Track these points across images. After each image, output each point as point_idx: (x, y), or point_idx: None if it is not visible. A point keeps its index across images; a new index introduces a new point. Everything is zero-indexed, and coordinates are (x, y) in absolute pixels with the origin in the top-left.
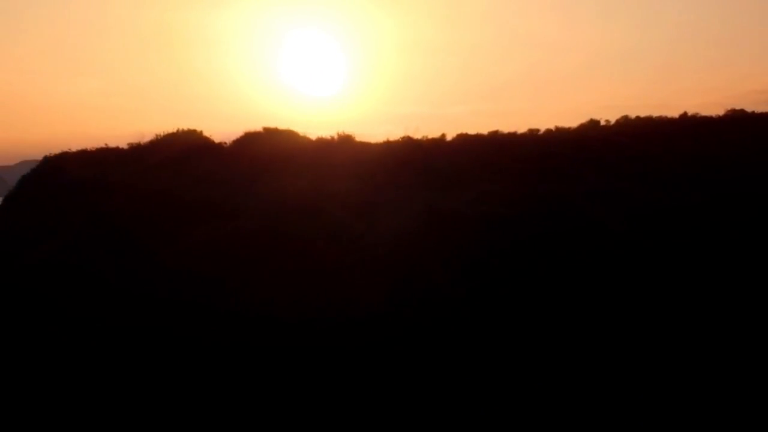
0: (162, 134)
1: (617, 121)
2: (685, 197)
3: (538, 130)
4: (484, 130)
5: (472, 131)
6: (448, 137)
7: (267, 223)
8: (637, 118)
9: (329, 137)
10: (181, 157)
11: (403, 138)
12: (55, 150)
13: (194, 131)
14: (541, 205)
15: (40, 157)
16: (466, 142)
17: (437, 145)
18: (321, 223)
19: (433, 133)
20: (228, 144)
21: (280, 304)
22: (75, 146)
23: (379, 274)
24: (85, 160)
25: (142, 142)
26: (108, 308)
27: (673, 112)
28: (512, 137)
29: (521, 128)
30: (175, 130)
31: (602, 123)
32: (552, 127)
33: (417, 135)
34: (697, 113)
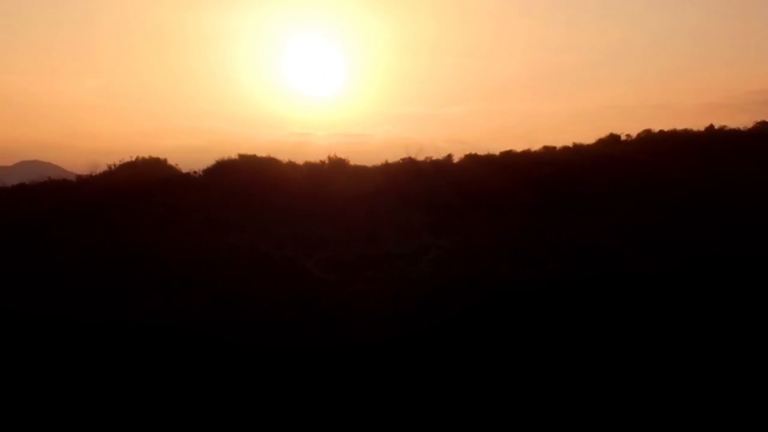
0: (118, 163)
1: (638, 136)
2: (716, 228)
3: (554, 148)
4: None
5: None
6: (455, 157)
7: (223, 299)
8: (660, 132)
9: (319, 162)
10: (137, 194)
11: (403, 160)
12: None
13: (157, 160)
14: (560, 248)
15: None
16: (474, 164)
17: (442, 170)
18: (299, 289)
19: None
20: (198, 174)
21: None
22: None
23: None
24: (20, 197)
25: (94, 174)
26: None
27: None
28: (526, 158)
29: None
30: (134, 159)
31: (623, 138)
32: (569, 143)
33: (420, 156)
34: (724, 126)
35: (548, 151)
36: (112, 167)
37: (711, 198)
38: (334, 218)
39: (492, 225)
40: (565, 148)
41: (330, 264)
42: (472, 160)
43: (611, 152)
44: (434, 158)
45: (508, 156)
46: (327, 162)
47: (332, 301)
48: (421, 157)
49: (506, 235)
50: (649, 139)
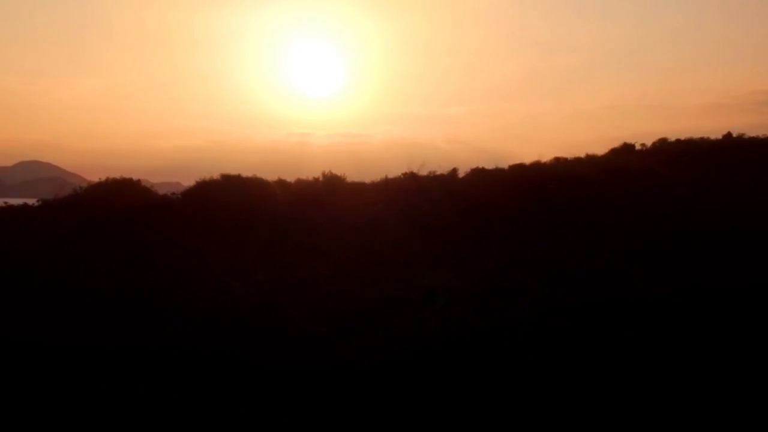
0: (85, 186)
1: (654, 145)
2: (740, 249)
3: (565, 159)
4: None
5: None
6: (461, 172)
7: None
8: (677, 141)
9: (312, 179)
10: (105, 224)
11: (404, 175)
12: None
13: (130, 181)
14: (578, 280)
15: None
16: (481, 180)
17: (447, 187)
18: (282, 345)
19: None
20: (177, 195)
21: None
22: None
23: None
24: None
25: (58, 197)
26: None
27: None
28: (536, 171)
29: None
30: (103, 180)
31: (637, 147)
32: (582, 153)
33: (422, 170)
34: (743, 134)
35: (560, 163)
36: (78, 190)
37: (733, 216)
38: (327, 249)
39: (503, 253)
40: (578, 160)
41: (320, 310)
42: (478, 175)
43: (626, 164)
44: (438, 172)
45: (518, 170)
46: (321, 179)
47: (321, 362)
48: (423, 172)
49: (520, 267)
50: (664, 149)
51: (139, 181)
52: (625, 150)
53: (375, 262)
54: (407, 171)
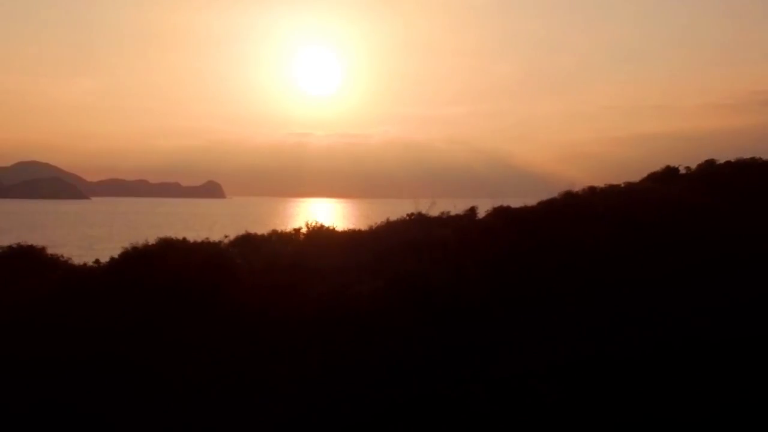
0: None
1: (699, 168)
2: None
3: (601, 189)
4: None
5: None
6: (479, 212)
7: None
8: (727, 163)
9: (292, 231)
10: None
11: (410, 216)
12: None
13: (31, 248)
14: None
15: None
16: (506, 224)
17: (464, 237)
18: None
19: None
20: (100, 264)
21: None
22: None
23: None
24: None
25: None
26: None
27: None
28: (570, 207)
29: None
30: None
31: (681, 171)
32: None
33: (432, 211)
34: None
35: (595, 194)
36: None
37: None
38: (301, 364)
39: (545, 346)
40: (615, 189)
41: None
42: (502, 216)
43: (676, 196)
44: (451, 212)
45: (548, 208)
46: (303, 231)
47: None
48: (433, 211)
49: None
50: (713, 173)
51: (44, 248)
52: (668, 175)
53: (360, 393)
54: (413, 212)
